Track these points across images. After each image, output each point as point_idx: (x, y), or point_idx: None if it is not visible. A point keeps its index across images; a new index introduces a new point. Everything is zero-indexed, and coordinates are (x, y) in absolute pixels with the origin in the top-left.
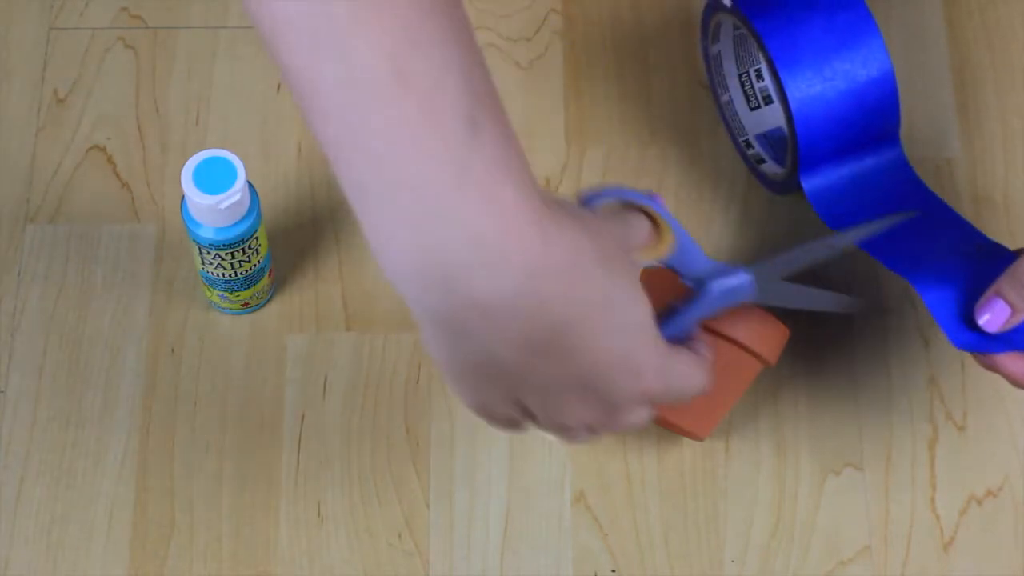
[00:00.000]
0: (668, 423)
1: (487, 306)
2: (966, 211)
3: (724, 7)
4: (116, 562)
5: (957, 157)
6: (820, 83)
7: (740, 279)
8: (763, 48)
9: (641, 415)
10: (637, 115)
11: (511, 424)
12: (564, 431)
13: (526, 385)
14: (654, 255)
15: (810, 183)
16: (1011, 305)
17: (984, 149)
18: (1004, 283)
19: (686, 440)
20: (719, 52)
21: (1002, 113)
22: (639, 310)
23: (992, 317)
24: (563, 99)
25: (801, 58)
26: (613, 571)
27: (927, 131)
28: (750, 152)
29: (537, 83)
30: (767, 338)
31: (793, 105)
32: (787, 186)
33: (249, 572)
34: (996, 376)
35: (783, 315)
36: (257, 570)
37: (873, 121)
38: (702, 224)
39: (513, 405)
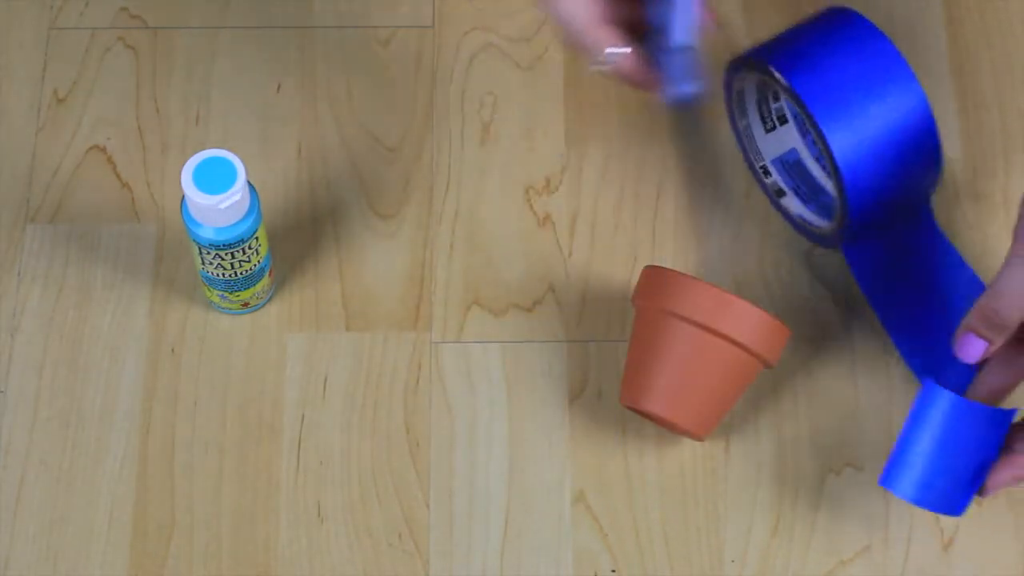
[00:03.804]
0: (668, 423)
1: None
2: (966, 211)
3: (781, 85)
4: (116, 562)
5: (957, 157)
6: (874, 178)
7: None
8: (822, 139)
9: None
10: (637, 115)
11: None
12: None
13: None
14: None
15: (851, 252)
16: (985, 339)
17: (984, 149)
18: (974, 319)
19: (686, 440)
20: (743, 88)
21: (1002, 113)
22: None
23: (970, 350)
24: (563, 99)
25: (859, 149)
26: (613, 571)
27: None
28: (768, 180)
29: (537, 83)
30: (767, 338)
31: (849, 191)
32: (826, 240)
33: (249, 572)
34: None
35: (783, 315)
36: (257, 570)
37: (914, 193)
38: (703, 225)
39: None
